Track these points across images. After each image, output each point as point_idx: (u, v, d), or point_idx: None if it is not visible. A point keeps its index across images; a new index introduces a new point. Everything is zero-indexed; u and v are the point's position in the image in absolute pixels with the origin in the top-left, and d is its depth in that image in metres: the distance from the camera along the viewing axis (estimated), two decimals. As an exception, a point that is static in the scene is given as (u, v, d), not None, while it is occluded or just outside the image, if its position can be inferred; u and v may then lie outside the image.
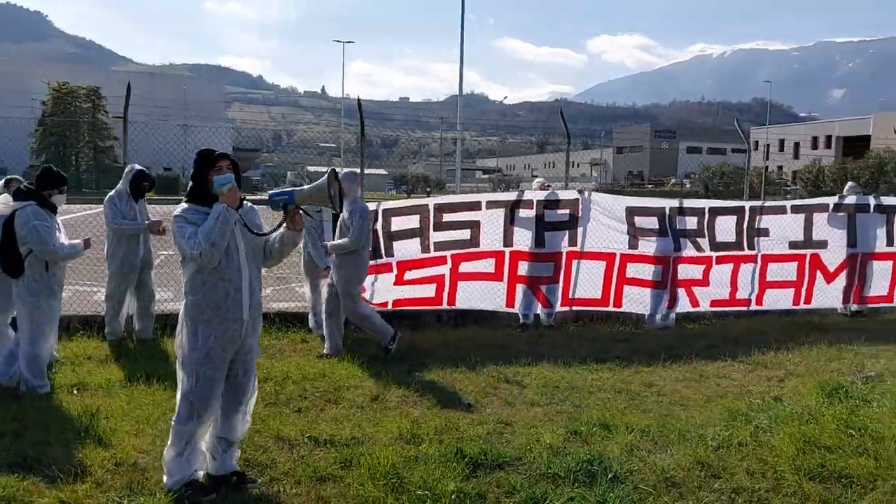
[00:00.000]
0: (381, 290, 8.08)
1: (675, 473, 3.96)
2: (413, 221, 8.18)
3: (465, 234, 8.35)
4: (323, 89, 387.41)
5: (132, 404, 5.04)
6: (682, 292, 8.74)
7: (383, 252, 8.07)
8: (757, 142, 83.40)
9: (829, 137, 72.80)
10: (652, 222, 8.64)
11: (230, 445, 3.92)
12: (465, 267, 8.34)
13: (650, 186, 72.65)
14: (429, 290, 8.25)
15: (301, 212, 3.69)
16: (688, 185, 69.05)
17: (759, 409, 5.03)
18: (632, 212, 8.65)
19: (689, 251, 8.77)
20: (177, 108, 52.09)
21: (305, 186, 3.71)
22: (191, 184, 3.77)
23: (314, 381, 5.83)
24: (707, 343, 7.50)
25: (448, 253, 8.27)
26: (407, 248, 8.17)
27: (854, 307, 9.44)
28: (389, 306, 8.09)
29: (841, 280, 9.34)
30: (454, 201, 8.61)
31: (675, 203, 8.84)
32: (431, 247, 8.20)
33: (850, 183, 10.06)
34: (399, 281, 8.15)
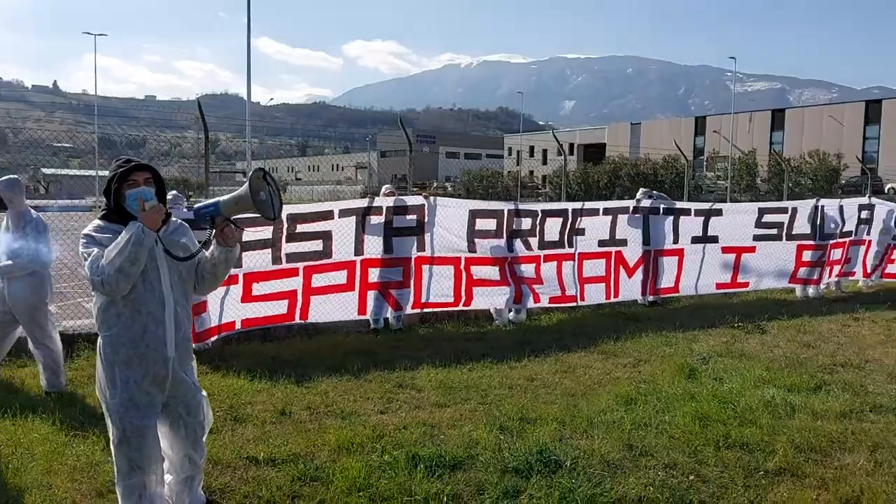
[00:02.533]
0: (229, 309, 7.75)
1: (611, 456, 4.40)
2: (265, 232, 7.95)
3: (317, 244, 8.28)
4: (55, 84, 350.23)
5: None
6: (525, 289, 9.41)
7: (230, 263, 7.75)
8: (510, 148, 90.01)
9: (571, 145, 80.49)
10: (491, 224, 9.19)
11: (193, 479, 3.59)
12: (317, 280, 8.26)
13: (415, 190, 75.30)
14: (280, 307, 8.06)
15: (232, 224, 3.30)
16: (449, 189, 72.61)
17: (644, 393, 5.67)
18: (474, 214, 9.13)
19: (521, 251, 9.43)
20: None
21: (230, 195, 3.30)
22: (103, 198, 3.30)
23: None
24: (554, 337, 8.15)
25: (300, 265, 8.15)
26: (257, 260, 7.91)
27: (650, 298, 10.75)
28: (238, 327, 7.79)
29: (639, 274, 10.57)
30: (307, 211, 8.48)
31: (512, 206, 9.47)
32: (283, 258, 8.02)
33: (642, 189, 11.42)
34: (247, 297, 7.84)
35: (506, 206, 9.43)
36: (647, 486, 3.95)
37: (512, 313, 9.29)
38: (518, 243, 9.40)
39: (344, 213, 8.50)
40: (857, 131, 58.18)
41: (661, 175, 55.41)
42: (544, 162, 78.93)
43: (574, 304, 9.85)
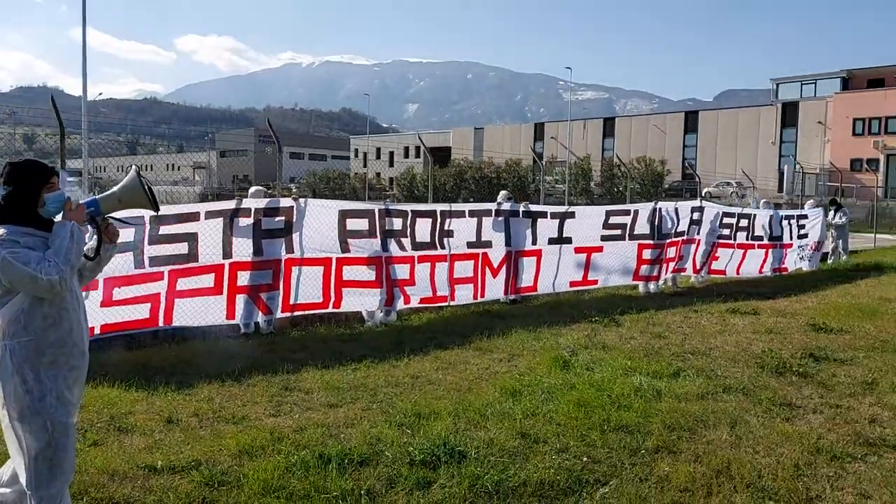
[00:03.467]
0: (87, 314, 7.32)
1: (509, 445, 4.65)
2: (127, 234, 7.57)
3: (182, 247, 7.99)
4: None
5: None
6: (397, 291, 9.54)
7: (90, 267, 7.33)
8: (357, 150, 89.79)
9: (417, 148, 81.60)
10: (363, 224, 9.26)
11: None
12: (182, 284, 7.98)
13: (288, 192, 73.39)
14: (142, 311, 7.71)
15: (114, 221, 3.38)
16: (294, 190, 71.44)
17: (527, 385, 5.99)
18: (344, 215, 9.15)
19: (395, 251, 9.58)
20: None
21: (109, 191, 3.35)
22: (2, 203, 3.15)
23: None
24: (428, 336, 8.36)
25: (165, 269, 7.84)
26: (118, 264, 7.52)
27: (512, 297, 11.26)
28: (97, 332, 7.38)
29: (502, 274, 11.05)
30: (172, 212, 8.14)
31: (382, 205, 9.58)
32: (146, 262, 7.68)
33: (503, 192, 11.94)
34: (107, 301, 7.46)
35: (376, 206, 9.52)
36: (546, 470, 4.22)
37: (381, 314, 9.39)
38: (392, 243, 9.53)
39: (211, 214, 8.25)
40: (678, 139, 63.38)
41: (504, 178, 57.51)
42: (391, 164, 79.48)
43: (445, 304, 10.12)
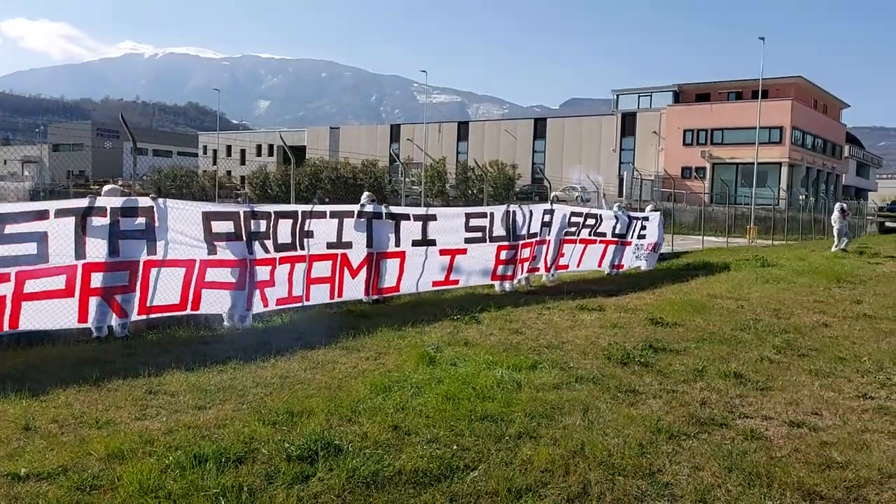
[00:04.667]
0: None
1: (382, 438, 4.84)
2: None
3: (31, 247, 7.59)
4: None
5: None
6: (257, 293, 9.45)
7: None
8: (205, 147, 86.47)
9: (270, 146, 79.82)
10: (228, 226, 9.12)
11: None
12: (31, 286, 7.58)
13: (96, 187, 69.15)
14: None
15: None
16: (138, 188, 67.86)
17: (395, 381, 6.20)
18: (208, 217, 8.98)
19: (260, 254, 9.50)
20: None
21: None
22: None
23: (-83, 427, 4.90)
24: (293, 337, 8.37)
25: (12, 270, 7.42)
26: None
27: (374, 297, 11.44)
28: None
29: (363, 274, 11.22)
30: (17, 210, 7.68)
31: (247, 207, 9.47)
32: None
33: (366, 193, 12.09)
34: None
35: (241, 208, 9.41)
36: (419, 459, 4.45)
37: (237, 318, 9.26)
38: (256, 245, 9.44)
39: (61, 213, 7.87)
40: (528, 145, 66.04)
41: (360, 179, 57.51)
42: (242, 162, 77.21)
43: (300, 304, 10.14)
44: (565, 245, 15.16)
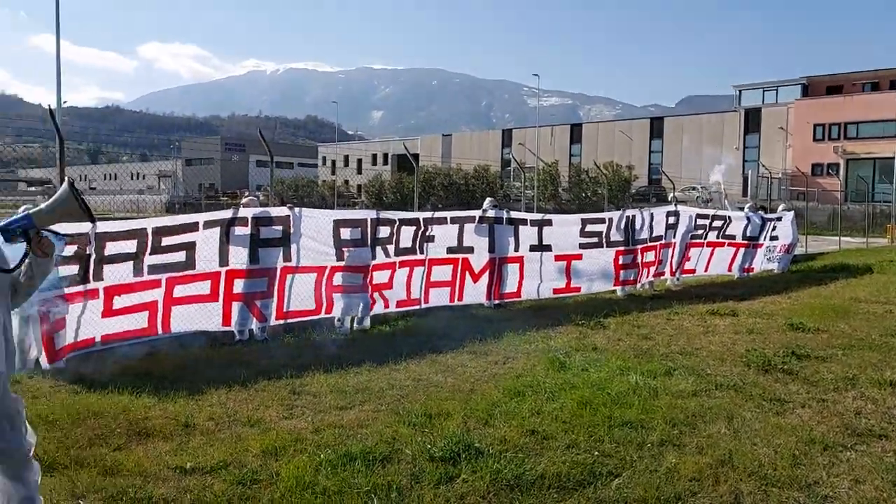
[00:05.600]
0: (87, 324, 7.38)
1: (521, 442, 4.86)
2: (130, 246, 7.65)
3: (180, 255, 8.08)
4: None
5: None
6: (377, 296, 9.72)
7: (91, 277, 7.39)
8: (324, 157, 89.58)
9: (385, 155, 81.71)
10: (356, 233, 9.43)
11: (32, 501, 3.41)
12: (179, 291, 8.07)
13: (225, 199, 72.91)
14: (140, 320, 7.78)
15: (47, 235, 3.29)
16: (262, 198, 70.98)
17: (528, 386, 6.21)
18: (338, 224, 9.32)
19: (381, 258, 9.77)
20: None
21: (43, 205, 3.30)
22: None
23: (93, 419, 5.34)
24: (421, 341, 8.52)
25: (163, 276, 7.92)
26: (118, 272, 7.60)
27: (496, 302, 11.48)
28: (97, 341, 7.44)
29: (485, 279, 11.29)
30: (172, 224, 8.22)
31: (374, 214, 9.77)
32: (145, 270, 7.76)
33: (488, 199, 12.16)
34: (108, 311, 7.51)
35: (368, 215, 9.71)
36: (561, 464, 4.44)
37: (356, 322, 9.48)
38: (379, 251, 9.72)
39: (209, 224, 8.35)
40: (644, 145, 64.43)
41: (472, 185, 57.89)
42: (359, 171, 79.44)
43: (417, 306, 10.33)
44: (692, 249, 14.67)
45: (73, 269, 7.20)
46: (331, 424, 5.26)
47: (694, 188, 50.95)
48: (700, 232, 14.78)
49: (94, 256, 7.33)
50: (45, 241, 3.24)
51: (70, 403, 5.71)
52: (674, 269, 14.37)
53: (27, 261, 3.26)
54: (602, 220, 12.79)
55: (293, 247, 8.88)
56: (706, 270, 15.30)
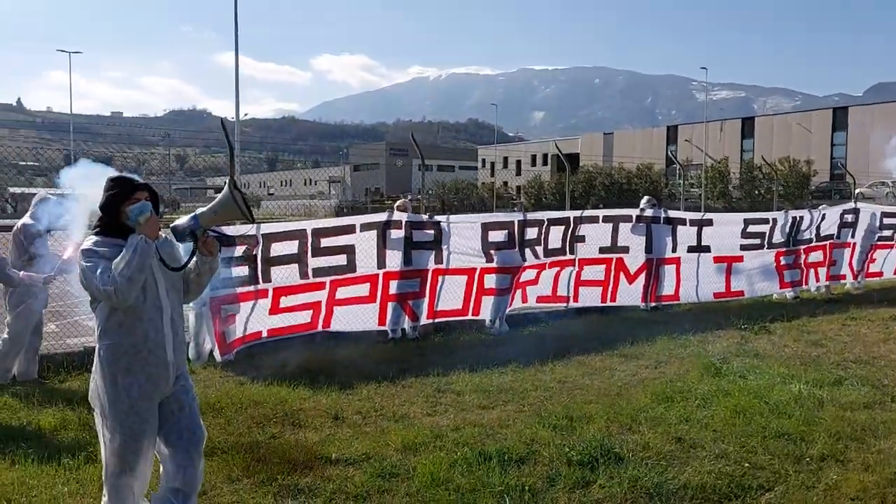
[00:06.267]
0: (256, 320, 7.90)
1: (665, 449, 4.68)
2: (292, 247, 8.12)
3: (341, 259, 8.46)
4: (19, 101, 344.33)
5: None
6: (519, 293, 9.73)
7: (260, 278, 7.91)
8: (484, 159, 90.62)
9: (545, 155, 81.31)
10: (503, 235, 9.48)
11: (188, 498, 3.48)
12: (341, 292, 8.45)
13: (389, 202, 75.63)
14: (304, 317, 8.23)
15: (213, 234, 3.51)
16: (424, 201, 72.91)
17: (678, 391, 5.96)
18: (486, 227, 9.41)
19: (530, 260, 9.74)
20: None
21: (206, 207, 3.48)
22: (101, 214, 3.43)
23: (253, 408, 5.74)
24: (570, 342, 8.38)
25: (327, 279, 8.32)
26: (285, 274, 8.08)
27: (652, 304, 11.07)
28: (264, 335, 7.95)
29: (641, 280, 10.93)
30: (330, 225, 8.66)
31: (520, 216, 9.78)
32: (310, 273, 8.19)
33: (646, 197, 11.77)
34: (275, 309, 8.01)
35: (515, 217, 9.74)
36: (706, 474, 4.22)
37: (498, 323, 9.41)
38: (528, 252, 9.71)
39: (365, 227, 8.70)
40: (825, 138, 59.68)
41: (634, 184, 56.26)
42: (518, 172, 79.57)
43: (564, 304, 10.17)
44: (877, 250, 13.38)
45: (244, 271, 7.75)
46: (471, 423, 5.32)
47: (884, 183, 46.52)
48: (888, 232, 13.46)
49: (260, 257, 7.86)
50: (210, 241, 3.45)
51: (235, 393, 6.17)
52: (855, 272, 13.19)
53: (194, 259, 3.48)
54: (766, 221, 12.03)
55: (444, 249, 9.07)
56: (896, 273, 13.89)
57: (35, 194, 6.78)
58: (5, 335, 6.54)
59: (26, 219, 6.49)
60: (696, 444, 4.75)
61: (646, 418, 5.31)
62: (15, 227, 6.48)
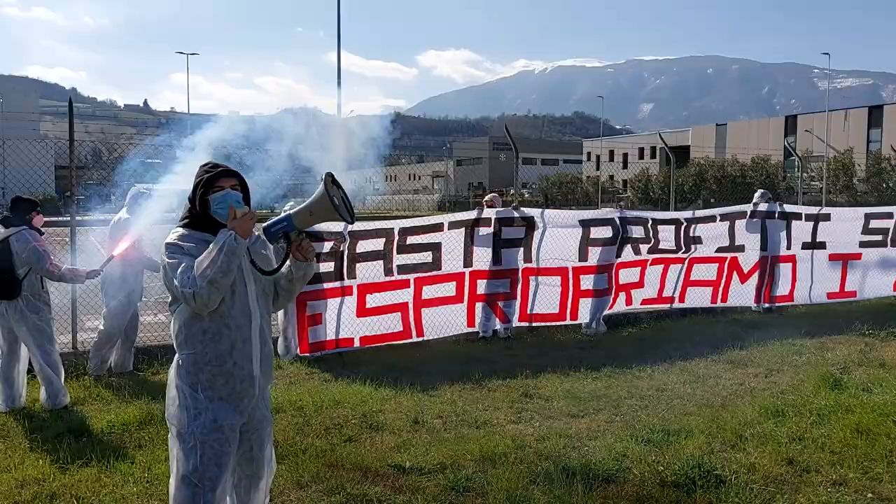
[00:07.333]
0: (347, 325, 7.79)
1: (772, 471, 4.18)
2: (378, 244, 7.98)
3: (426, 256, 8.25)
4: (145, 102, 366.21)
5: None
6: (621, 295, 9.22)
7: (345, 274, 7.80)
8: (589, 153, 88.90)
9: (653, 148, 78.81)
10: (604, 232, 9.01)
11: None
12: (427, 292, 8.24)
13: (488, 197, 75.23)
14: (395, 323, 8.03)
15: (306, 237, 3.04)
16: (527, 196, 72.13)
17: (791, 405, 5.39)
18: (586, 224, 8.97)
19: (629, 256, 9.22)
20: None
21: (300, 206, 3.03)
22: (187, 205, 3.05)
23: (333, 408, 5.59)
24: (672, 346, 7.86)
25: (411, 277, 8.13)
26: (370, 271, 7.94)
27: (765, 305, 10.30)
28: (356, 344, 7.81)
29: (754, 280, 10.21)
30: (418, 224, 8.47)
31: (620, 213, 9.32)
32: (395, 270, 8.02)
33: (760, 190, 10.97)
34: (361, 310, 7.86)
35: (615, 215, 9.27)
36: (821, 505, 3.72)
37: (595, 324, 8.95)
38: (628, 249, 9.20)
39: (453, 225, 8.46)
40: (966, 126, 54.91)
41: (749, 176, 53.67)
42: (625, 166, 77.50)
43: (669, 305, 9.59)
44: None
45: (330, 266, 7.67)
46: (557, 433, 4.96)
47: None
48: None
49: (346, 253, 7.75)
50: (305, 245, 3.01)
51: (317, 391, 6.05)
52: None
53: (287, 264, 3.06)
54: (890, 216, 11.00)
55: (535, 247, 8.71)
56: None
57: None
58: (101, 327, 6.70)
59: (122, 213, 6.61)
60: (809, 468, 4.22)
61: (752, 435, 4.79)
62: (112, 221, 6.61)
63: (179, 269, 2.81)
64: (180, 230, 2.96)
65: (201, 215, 2.97)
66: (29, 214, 5.72)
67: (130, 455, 4.54)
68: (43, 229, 5.86)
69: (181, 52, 64.69)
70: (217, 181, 2.96)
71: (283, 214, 3.04)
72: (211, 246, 2.81)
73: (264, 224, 3.03)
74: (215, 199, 2.93)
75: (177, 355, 3.00)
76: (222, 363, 2.93)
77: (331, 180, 2.94)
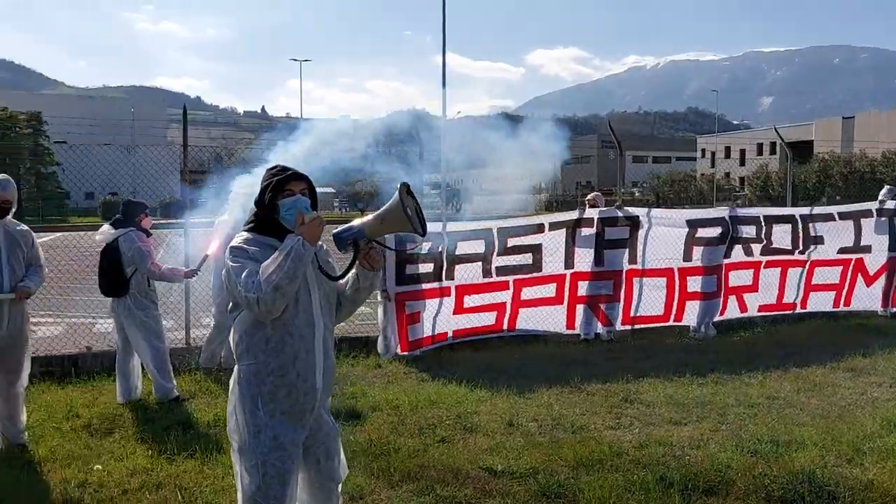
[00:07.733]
0: (442, 322, 7.82)
1: (893, 490, 3.88)
2: (478, 246, 7.97)
3: (527, 258, 8.19)
4: (263, 108, 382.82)
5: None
6: (732, 299, 8.79)
7: (443, 276, 7.82)
8: (703, 150, 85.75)
9: (773, 144, 75.11)
10: (712, 232, 8.66)
11: None
12: (526, 293, 8.17)
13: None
14: (489, 318, 8.03)
15: (377, 246, 2.95)
16: (637, 194, 70.28)
17: (917, 418, 4.98)
18: (693, 224, 8.64)
19: (740, 257, 8.80)
20: (118, 131, 51.46)
21: (374, 213, 2.96)
22: (253, 209, 2.99)
23: (428, 408, 5.62)
24: (788, 351, 7.46)
25: (510, 278, 8.08)
26: (468, 273, 7.94)
27: (893, 310, 9.59)
28: (450, 336, 7.84)
29: (880, 283, 9.55)
30: (517, 225, 8.42)
31: (731, 212, 8.99)
32: (493, 272, 7.99)
33: (886, 187, 10.24)
34: (459, 309, 7.89)
35: (726, 213, 8.89)
36: (950, 531, 3.40)
37: (703, 328, 8.60)
38: (738, 250, 8.79)
39: (554, 226, 8.36)
40: None
41: (879, 173, 50.25)
42: (742, 163, 74.25)
43: (791, 311, 9.06)
44: None
45: (429, 267, 7.72)
46: (657, 440, 4.78)
47: None
48: None
49: (445, 255, 7.78)
50: (373, 254, 2.92)
51: (414, 391, 6.09)
52: None
53: (353, 272, 2.98)
54: None
55: (639, 248, 8.46)
56: None
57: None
58: (212, 322, 7.00)
59: (225, 215, 6.88)
60: (936, 489, 3.88)
61: (872, 449, 4.45)
62: (216, 222, 6.88)
63: (244, 274, 2.74)
64: (245, 234, 2.92)
65: (268, 219, 2.91)
66: (137, 216, 6.03)
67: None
68: (151, 231, 6.17)
69: (295, 59, 67.46)
70: (286, 185, 2.90)
71: (354, 221, 2.98)
72: (277, 251, 2.74)
73: (334, 230, 2.95)
74: (285, 204, 2.87)
75: (236, 367, 2.92)
76: (284, 374, 2.84)
77: (406, 190, 2.87)
